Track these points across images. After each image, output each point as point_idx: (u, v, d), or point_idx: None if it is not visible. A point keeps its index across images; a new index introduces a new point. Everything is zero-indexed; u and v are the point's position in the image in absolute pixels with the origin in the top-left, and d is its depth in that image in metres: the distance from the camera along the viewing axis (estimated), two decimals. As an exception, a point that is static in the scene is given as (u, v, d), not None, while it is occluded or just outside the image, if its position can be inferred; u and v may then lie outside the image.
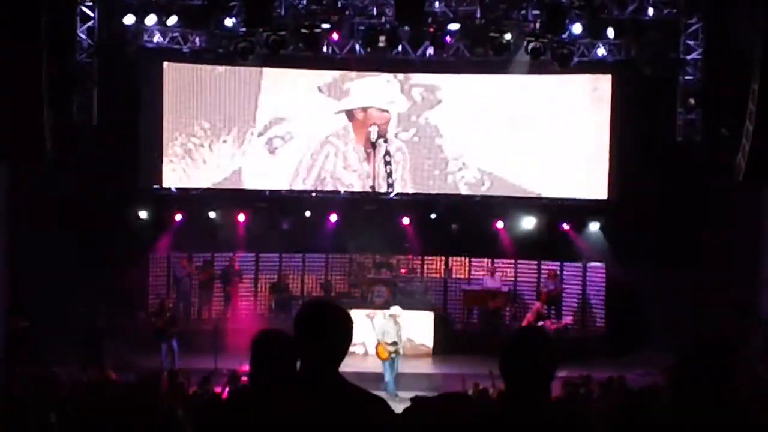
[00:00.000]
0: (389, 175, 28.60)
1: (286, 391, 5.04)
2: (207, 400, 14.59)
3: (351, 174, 29.13)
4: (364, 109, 29.07)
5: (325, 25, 26.35)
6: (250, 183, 28.99)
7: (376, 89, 29.13)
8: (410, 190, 29.19)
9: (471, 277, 29.56)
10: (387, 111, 29.11)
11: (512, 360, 5.08)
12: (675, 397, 5.22)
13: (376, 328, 23.13)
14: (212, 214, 28.46)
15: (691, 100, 25.83)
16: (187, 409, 12.19)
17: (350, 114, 29.05)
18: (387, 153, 28.73)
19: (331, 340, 5.07)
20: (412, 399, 6.80)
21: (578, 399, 15.91)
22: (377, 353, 22.63)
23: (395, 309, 23.30)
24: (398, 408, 6.01)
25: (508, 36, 25.63)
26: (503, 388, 5.14)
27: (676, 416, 5.15)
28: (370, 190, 28.56)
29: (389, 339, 22.48)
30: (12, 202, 24.04)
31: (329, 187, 29.25)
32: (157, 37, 26.78)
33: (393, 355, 22.39)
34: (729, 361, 5.16)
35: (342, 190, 29.16)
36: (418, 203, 29.01)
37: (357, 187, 28.95)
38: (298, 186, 29.15)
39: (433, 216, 28.84)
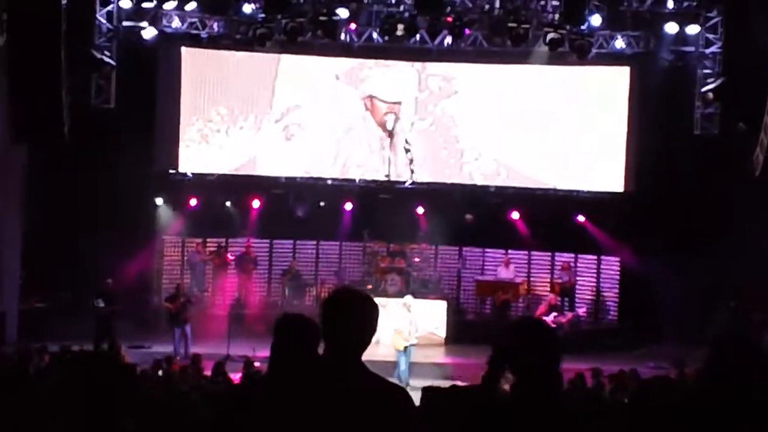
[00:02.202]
0: (411, 162, 28.57)
1: (307, 376, 5.06)
2: (226, 386, 14.63)
3: (375, 160, 29.10)
4: (381, 98, 29.03)
5: (344, 13, 26.35)
6: (265, 169, 29.00)
7: (394, 78, 29.10)
8: (426, 180, 29.14)
9: (485, 267, 29.53)
10: (403, 100, 29.08)
11: (519, 352, 5.14)
12: (709, 391, 5.21)
13: (392, 318, 23.15)
14: (227, 200, 28.43)
15: (710, 94, 25.78)
16: (201, 393, 12.22)
17: (368, 102, 29.03)
18: (407, 141, 28.69)
19: (357, 329, 5.07)
20: (424, 389, 6.83)
21: (588, 392, 15.92)
22: (393, 343, 22.66)
23: (407, 299, 23.30)
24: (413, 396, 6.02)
25: (526, 26, 25.59)
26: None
27: (712, 415, 5.15)
28: (385, 179, 28.53)
29: (404, 329, 22.49)
30: (29, 183, 24.17)
31: (353, 175, 29.26)
32: (175, 23, 26.86)
33: (407, 345, 22.38)
34: (761, 358, 5.17)
35: (366, 177, 29.16)
36: (433, 192, 28.95)
37: (381, 174, 28.86)
38: (323, 173, 29.15)
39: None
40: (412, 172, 28.62)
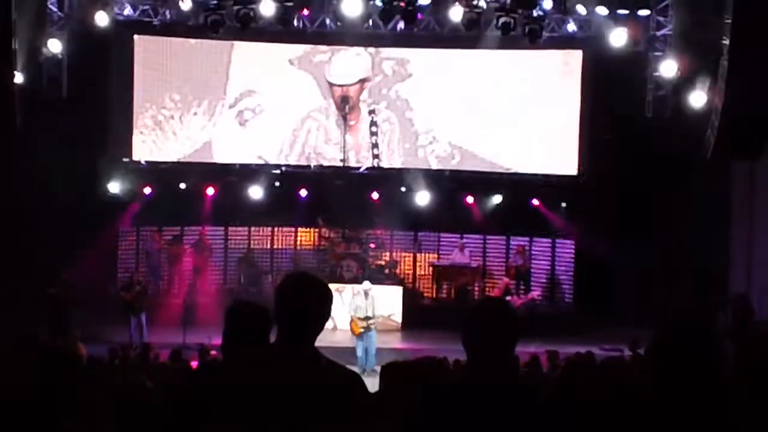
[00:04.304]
0: (375, 146, 28.63)
1: (259, 361, 5.06)
2: (179, 372, 14.57)
3: (333, 148, 29.04)
4: (335, 83, 29.02)
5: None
6: (220, 156, 28.93)
7: (347, 62, 29.08)
8: (381, 164, 29.17)
9: (440, 251, 29.59)
10: (358, 83, 29.06)
11: (473, 330, 5.11)
12: (655, 378, 5.22)
13: (348, 304, 23.18)
14: (182, 187, 28.30)
15: (675, 68, 25.79)
16: (157, 381, 12.18)
17: (322, 87, 29.01)
18: (374, 123, 28.74)
19: (311, 313, 5.09)
20: (384, 366, 6.83)
21: (544, 375, 15.98)
22: (351, 329, 22.69)
23: (366, 284, 23.33)
24: (373, 382, 6.04)
25: (478, 11, 25.60)
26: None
27: (656, 397, 5.16)
28: (341, 164, 28.52)
29: (361, 314, 22.53)
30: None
31: (308, 161, 29.20)
32: (127, 10, 26.74)
33: (365, 330, 22.41)
34: (709, 341, 5.19)
35: (321, 163, 29.13)
36: (388, 177, 28.95)
37: (337, 160, 28.80)
38: (277, 159, 29.08)
39: (403, 189, 28.75)
40: (375, 156, 28.70)
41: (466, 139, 29.02)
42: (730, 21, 21.32)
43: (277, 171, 28.83)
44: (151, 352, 18.24)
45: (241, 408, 4.94)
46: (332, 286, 5.25)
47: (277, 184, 28.71)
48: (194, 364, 16.43)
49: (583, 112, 27.95)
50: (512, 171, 28.82)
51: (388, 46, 28.91)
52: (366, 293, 22.86)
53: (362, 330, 22.37)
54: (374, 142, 28.75)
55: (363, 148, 29.07)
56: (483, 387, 5.00)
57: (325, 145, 29.11)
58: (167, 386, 10.61)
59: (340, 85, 29.02)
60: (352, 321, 22.65)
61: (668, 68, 25.99)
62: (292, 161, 29.10)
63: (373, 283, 23.86)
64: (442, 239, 29.65)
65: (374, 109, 28.99)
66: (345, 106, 28.60)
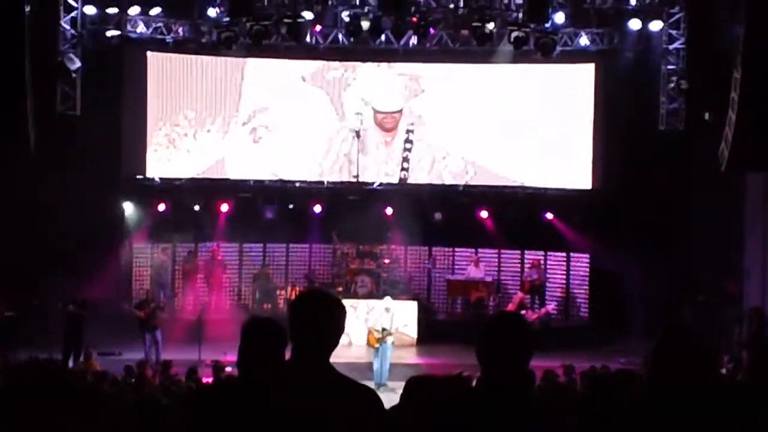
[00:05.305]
0: (405, 160, 28.77)
1: (275, 379, 5.06)
2: (195, 390, 14.58)
3: (344, 161, 29.08)
4: (348, 99, 29.09)
5: (308, 15, 26.34)
6: (233, 172, 28.97)
7: (360, 79, 29.16)
8: (394, 180, 29.22)
9: (455, 266, 29.56)
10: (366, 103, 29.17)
11: (488, 344, 5.09)
12: (648, 382, 5.26)
13: (366, 319, 23.22)
14: (196, 204, 28.32)
15: (682, 83, 25.81)
16: (173, 399, 12.19)
17: (336, 103, 29.08)
18: (409, 140, 28.89)
19: (324, 331, 5.10)
20: (409, 379, 6.84)
21: (559, 388, 15.94)
22: (367, 340, 22.70)
23: (387, 300, 23.32)
24: (387, 397, 6.04)
25: (490, 25, 25.64)
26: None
27: (649, 401, 5.20)
28: (354, 180, 28.51)
29: (378, 326, 22.51)
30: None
31: (322, 177, 29.23)
32: (140, 27, 26.77)
33: (381, 342, 22.32)
34: (702, 349, 5.20)
35: (334, 179, 29.17)
36: (401, 192, 28.91)
37: (350, 175, 28.81)
38: (291, 175, 29.14)
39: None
40: (404, 170, 28.81)
41: (479, 153, 29.03)
42: (742, 33, 21.28)
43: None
44: (167, 369, 18.27)
45: (257, 426, 4.94)
46: (346, 302, 5.26)
47: (291, 206, 28.71)
48: (208, 380, 16.47)
49: (596, 125, 27.94)
50: (526, 185, 28.79)
51: (401, 61, 28.94)
52: (387, 309, 22.85)
53: (379, 342, 22.32)
54: (405, 156, 28.85)
55: (394, 162, 29.22)
56: (497, 401, 4.98)
57: (335, 161, 29.14)
58: (183, 404, 10.63)
59: (352, 102, 29.07)
60: (369, 332, 22.67)
61: (681, 81, 25.97)
62: (304, 177, 29.08)
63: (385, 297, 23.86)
64: (456, 254, 29.60)
65: (412, 128, 29.11)
66: (357, 121, 28.52)
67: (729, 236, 25.35)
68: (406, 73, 29.20)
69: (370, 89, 29.20)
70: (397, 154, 29.30)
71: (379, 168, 29.28)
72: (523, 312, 25.72)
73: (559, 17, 25.79)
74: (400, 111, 29.31)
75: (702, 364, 5.14)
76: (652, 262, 25.63)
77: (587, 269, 28.46)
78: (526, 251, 29.13)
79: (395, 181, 29.27)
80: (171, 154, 28.48)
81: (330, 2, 26.64)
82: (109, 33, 26.03)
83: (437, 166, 29.33)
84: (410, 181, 29.34)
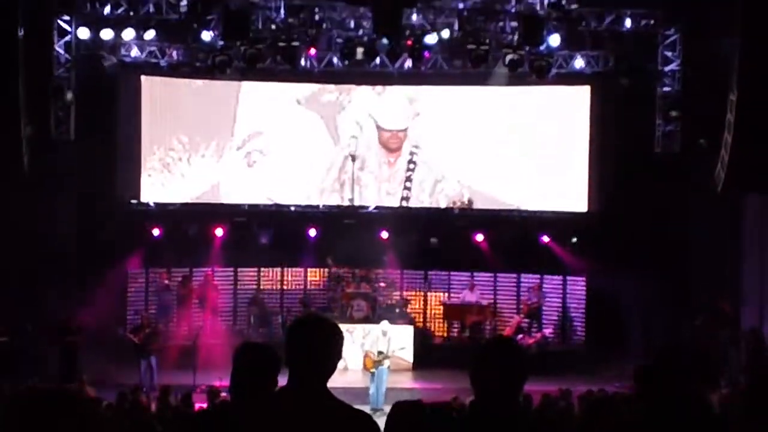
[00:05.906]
0: (407, 180, 28.78)
1: (270, 404, 4.99)
2: (190, 416, 14.47)
3: (338, 185, 29.07)
4: (343, 122, 29.10)
5: (303, 39, 26.30)
6: (228, 197, 28.91)
7: (355, 101, 29.16)
8: (391, 204, 29.18)
9: (451, 290, 29.46)
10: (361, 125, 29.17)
11: (481, 369, 5.07)
12: (641, 401, 5.25)
13: (362, 344, 23.13)
14: (190, 229, 28.25)
15: (673, 113, 25.85)
16: (168, 425, 12.09)
17: (330, 126, 29.07)
18: (412, 161, 28.88)
19: (322, 356, 5.04)
20: (394, 405, 6.80)
21: (557, 412, 15.85)
22: (364, 363, 22.61)
23: (384, 324, 23.21)
24: (383, 422, 5.97)
25: (485, 48, 25.62)
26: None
27: (643, 419, 5.18)
28: (349, 203, 28.46)
29: (375, 349, 22.41)
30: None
31: (317, 201, 29.18)
32: (134, 51, 26.71)
33: (378, 365, 22.22)
34: (692, 369, 5.23)
35: (329, 203, 29.13)
36: (397, 216, 28.87)
37: (345, 199, 28.76)
38: (286, 200, 29.10)
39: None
40: (407, 188, 28.79)
41: (475, 177, 28.97)
42: (738, 55, 21.28)
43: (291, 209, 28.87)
44: (165, 395, 18.14)
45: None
46: (342, 326, 5.19)
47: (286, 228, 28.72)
48: (201, 406, 16.34)
49: (592, 147, 27.90)
50: (521, 208, 28.73)
51: (396, 84, 28.92)
52: (384, 333, 22.76)
53: (375, 365, 22.21)
54: (408, 176, 28.83)
55: (396, 182, 29.27)
56: (490, 426, 4.93)
57: (330, 185, 29.12)
58: (177, 430, 10.52)
59: (347, 125, 29.06)
60: (366, 355, 22.57)
61: (676, 103, 25.96)
62: (299, 201, 29.03)
63: (380, 322, 23.77)
64: (452, 278, 29.52)
65: (417, 150, 29.09)
66: (353, 144, 28.49)
67: (726, 259, 25.31)
68: (402, 95, 29.18)
69: (375, 107, 29.20)
70: (399, 174, 29.27)
71: (380, 186, 29.24)
72: (520, 336, 25.68)
73: (554, 39, 25.73)
74: (405, 130, 29.29)
75: (697, 385, 5.14)
76: (649, 285, 25.58)
77: (584, 292, 28.37)
78: (522, 274, 29.03)
79: (396, 201, 29.21)
80: (165, 178, 28.41)
81: (324, 26, 26.60)
82: (103, 57, 25.97)
83: (432, 189, 29.28)
84: (412, 202, 29.26)
